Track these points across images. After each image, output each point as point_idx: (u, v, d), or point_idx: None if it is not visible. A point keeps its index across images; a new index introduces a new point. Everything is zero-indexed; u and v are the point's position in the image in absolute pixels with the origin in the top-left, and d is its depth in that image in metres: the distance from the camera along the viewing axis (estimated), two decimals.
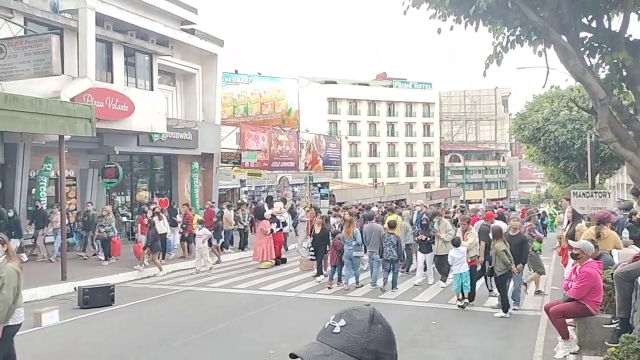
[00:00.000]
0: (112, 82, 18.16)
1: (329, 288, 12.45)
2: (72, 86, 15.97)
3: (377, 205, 23.62)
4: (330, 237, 13.57)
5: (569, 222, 10.76)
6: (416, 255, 13.83)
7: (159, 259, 15.89)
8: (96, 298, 10.78)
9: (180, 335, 8.60)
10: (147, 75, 19.85)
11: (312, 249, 13.96)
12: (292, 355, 1.31)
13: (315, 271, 13.86)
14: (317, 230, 13.76)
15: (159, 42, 20.64)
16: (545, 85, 5.01)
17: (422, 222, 13.32)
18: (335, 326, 1.33)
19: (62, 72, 16.28)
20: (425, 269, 13.19)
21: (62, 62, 16.42)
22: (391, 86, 69.96)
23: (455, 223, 14.47)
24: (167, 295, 12.22)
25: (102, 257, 15.83)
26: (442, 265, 12.54)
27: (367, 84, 69.48)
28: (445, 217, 13.88)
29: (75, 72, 16.58)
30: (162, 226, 16.04)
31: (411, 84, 71.65)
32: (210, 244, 16.71)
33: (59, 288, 12.39)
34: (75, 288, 11.75)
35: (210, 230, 16.07)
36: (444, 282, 12.59)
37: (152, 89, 19.72)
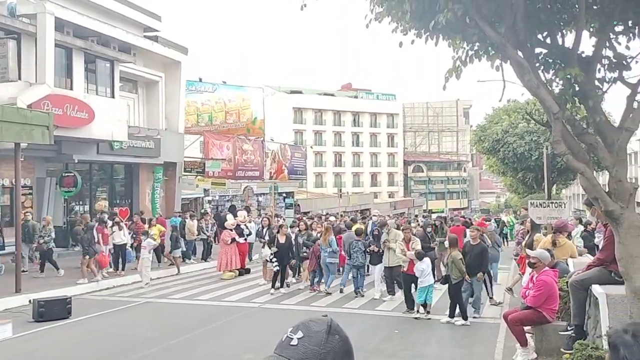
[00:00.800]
0: (71, 88, 17.73)
1: (312, 291, 13.29)
2: (30, 92, 15.52)
3: (335, 216, 23.53)
4: (294, 247, 13.53)
5: (527, 231, 11.04)
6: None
7: (117, 269, 15.57)
8: (52, 311, 10.43)
9: (140, 348, 8.40)
10: (108, 83, 19.46)
11: (275, 259, 13.35)
12: None
13: (271, 284, 13.43)
14: (282, 240, 13.42)
15: (121, 48, 20.30)
16: (502, 99, 5.16)
17: (374, 233, 13.04)
18: (292, 338, 1.32)
19: (19, 78, 15.81)
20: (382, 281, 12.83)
21: (19, 67, 15.96)
22: (356, 97, 70.62)
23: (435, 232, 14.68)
24: (127, 307, 11.93)
25: (40, 270, 15.09)
26: (392, 277, 12.10)
27: (332, 94, 69.94)
28: (401, 228, 13.43)
29: (33, 78, 16.12)
30: (121, 236, 15.72)
31: (376, 94, 72.52)
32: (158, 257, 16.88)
33: (13, 301, 11.94)
34: (30, 300, 11.34)
35: (153, 241, 15.03)
36: (390, 294, 12.05)
37: (113, 97, 19.34)
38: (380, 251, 12.48)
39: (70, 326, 10.12)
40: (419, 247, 11.00)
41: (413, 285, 10.80)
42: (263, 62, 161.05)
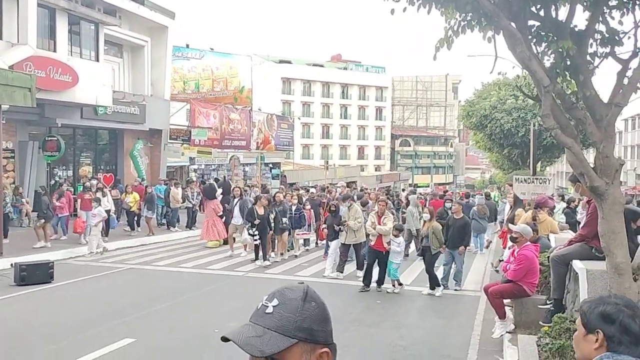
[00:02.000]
0: (55, 51, 17.29)
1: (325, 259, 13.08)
2: (11, 53, 15.12)
3: (315, 188, 23.00)
4: (272, 221, 12.91)
5: (510, 207, 11.14)
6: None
7: (102, 235, 15.46)
8: (34, 275, 10.37)
9: (122, 314, 8.40)
10: (93, 46, 19.00)
11: (256, 232, 12.65)
12: (223, 339, 1.27)
13: (254, 255, 13.10)
14: (261, 211, 12.73)
15: (106, 11, 19.77)
16: (493, 71, 5.12)
17: (331, 208, 12.19)
18: (267, 306, 1.30)
19: (1, 38, 15.37)
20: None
21: (1, 27, 15.50)
22: (345, 68, 70.04)
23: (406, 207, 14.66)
24: (110, 273, 11.90)
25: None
26: (346, 254, 11.64)
27: (321, 65, 69.22)
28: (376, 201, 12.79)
29: (15, 39, 15.68)
30: (105, 203, 15.57)
31: (365, 67, 71.99)
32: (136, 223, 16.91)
33: None
34: (11, 264, 11.26)
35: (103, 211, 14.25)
36: (339, 271, 11.55)
37: (97, 60, 18.92)
38: (340, 227, 11.59)
39: (52, 291, 10.08)
40: (391, 223, 10.37)
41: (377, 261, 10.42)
42: (252, 29, 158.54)
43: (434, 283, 10.21)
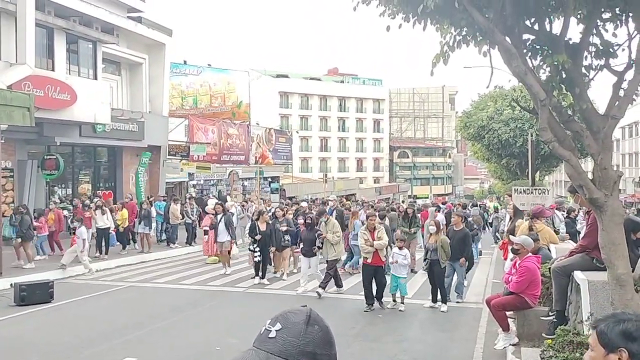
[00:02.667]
0: (53, 69, 17.36)
1: (344, 271, 13.46)
2: (10, 73, 15.19)
3: (307, 202, 23.06)
4: (274, 236, 12.57)
5: (510, 218, 11.13)
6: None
7: (100, 253, 15.42)
8: (34, 294, 10.32)
9: (123, 332, 8.35)
10: (91, 64, 19.10)
11: (257, 248, 12.36)
12: None
13: (254, 272, 12.71)
14: (263, 227, 12.53)
15: (104, 29, 19.91)
16: (490, 85, 5.15)
17: (306, 221, 11.68)
18: (270, 330, 1.30)
19: None
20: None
21: None
22: (342, 82, 70.37)
23: (405, 219, 14.49)
24: (110, 291, 11.85)
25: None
26: (333, 270, 11.16)
27: (318, 79, 69.57)
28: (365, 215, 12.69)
29: (14, 59, 15.76)
30: (105, 220, 15.56)
31: (362, 80, 72.36)
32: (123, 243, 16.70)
33: None
34: (11, 284, 11.21)
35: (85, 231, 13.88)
36: (322, 290, 10.98)
37: (95, 78, 19.00)
38: (317, 244, 11.18)
39: (53, 310, 10.03)
40: (385, 237, 10.08)
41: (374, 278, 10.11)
42: (249, 45, 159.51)
43: (444, 297, 10.08)
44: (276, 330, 1.29)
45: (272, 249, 12.75)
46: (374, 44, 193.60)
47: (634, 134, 52.78)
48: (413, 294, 11.42)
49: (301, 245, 11.64)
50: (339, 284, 11.40)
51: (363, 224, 11.93)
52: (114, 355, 7.15)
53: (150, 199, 20.24)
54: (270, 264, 13.32)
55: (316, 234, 11.19)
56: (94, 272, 13.71)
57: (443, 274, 10.10)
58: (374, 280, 10.09)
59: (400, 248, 10.16)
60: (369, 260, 9.98)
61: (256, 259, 12.42)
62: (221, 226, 13.74)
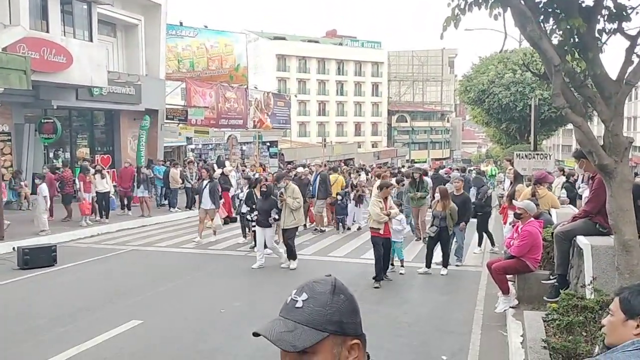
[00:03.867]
0: (47, 31, 17.03)
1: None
2: (4, 35, 14.89)
3: (305, 166, 22.27)
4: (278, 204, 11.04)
5: (510, 182, 11.14)
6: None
7: (101, 217, 15.50)
8: (37, 258, 10.40)
9: (127, 296, 8.45)
10: (86, 25, 18.72)
11: (254, 217, 11.05)
12: (255, 334, 1.28)
13: (253, 242, 11.60)
14: (260, 195, 11.15)
15: None
16: (502, 50, 5.06)
17: (262, 189, 10.62)
18: (297, 300, 1.31)
19: None
20: (265, 247, 10.63)
21: None
22: (341, 44, 69.43)
23: (412, 184, 13.51)
24: (113, 255, 11.94)
25: None
26: (292, 239, 10.44)
27: (316, 41, 68.58)
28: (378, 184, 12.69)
29: (7, 20, 15.42)
30: (104, 184, 15.57)
31: (361, 42, 71.37)
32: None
33: None
34: (14, 248, 11.28)
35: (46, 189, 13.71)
36: (292, 259, 10.34)
37: (91, 40, 18.66)
38: (275, 214, 10.27)
39: (57, 274, 10.12)
40: (396, 208, 9.74)
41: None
42: (245, 4, 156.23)
43: (447, 261, 10.19)
44: (303, 300, 1.31)
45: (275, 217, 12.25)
46: (373, 4, 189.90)
47: (632, 98, 52.50)
48: (413, 257, 11.57)
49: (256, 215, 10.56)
50: (293, 256, 10.42)
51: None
52: (119, 319, 7.25)
53: (151, 165, 20.21)
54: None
55: (278, 197, 10.32)
56: (49, 232, 13.17)
57: (449, 240, 10.21)
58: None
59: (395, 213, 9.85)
60: (381, 232, 9.22)
61: (254, 229, 11.43)
62: (205, 192, 13.01)
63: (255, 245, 11.20)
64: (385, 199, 9.48)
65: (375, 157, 55.57)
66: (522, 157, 11.34)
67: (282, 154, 37.25)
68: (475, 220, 11.87)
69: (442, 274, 9.99)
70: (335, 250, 12.47)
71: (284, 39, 64.95)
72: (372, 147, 68.19)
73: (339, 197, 14.93)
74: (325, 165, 18.39)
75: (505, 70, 35.70)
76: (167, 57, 25.99)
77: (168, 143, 25.70)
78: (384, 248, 9.36)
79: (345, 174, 17.27)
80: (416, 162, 58.29)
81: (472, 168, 28.53)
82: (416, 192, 13.40)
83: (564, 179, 14.09)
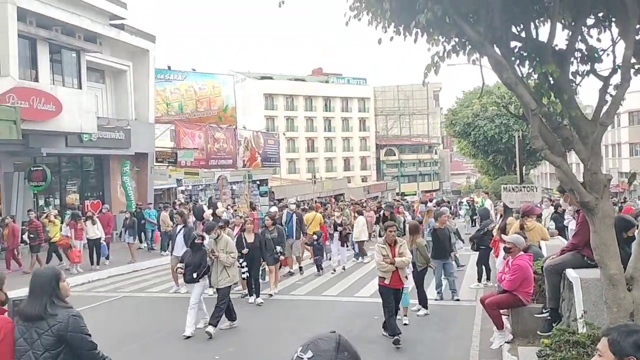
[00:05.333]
0: (37, 80, 17.26)
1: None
2: None
3: (295, 204, 21.81)
4: (264, 248, 11.15)
5: (500, 215, 11.25)
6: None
7: (92, 264, 15.38)
8: None
9: (119, 345, 8.35)
10: (75, 73, 19.01)
11: (244, 263, 10.83)
12: None
13: (246, 290, 11.35)
14: (250, 239, 10.98)
15: (87, 38, 19.79)
16: (481, 97, 5.29)
17: (194, 241, 9.20)
18: (302, 358, 1.37)
19: None
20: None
21: None
22: (327, 81, 70.51)
23: (383, 222, 12.78)
24: (104, 302, 11.82)
25: None
26: (225, 302, 8.97)
27: (303, 79, 69.63)
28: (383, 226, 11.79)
29: None
30: (95, 230, 15.50)
31: (347, 79, 72.56)
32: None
33: None
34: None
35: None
36: (212, 325, 8.80)
37: (80, 87, 18.91)
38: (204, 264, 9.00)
39: None
40: (408, 253, 8.54)
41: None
42: (232, 47, 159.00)
43: (423, 301, 9.81)
44: (308, 358, 1.36)
45: (264, 263, 11.45)
46: (358, 42, 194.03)
47: (616, 125, 53.59)
48: (373, 292, 11.58)
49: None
50: (232, 317, 9.34)
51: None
52: None
53: (139, 207, 20.18)
54: (264, 279, 12.38)
55: (210, 253, 9.07)
56: None
57: (421, 277, 9.76)
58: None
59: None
60: (386, 282, 8.19)
61: (244, 275, 11.00)
62: (179, 239, 12.10)
63: (249, 295, 11.11)
64: (393, 243, 8.27)
65: (365, 192, 55.80)
66: (510, 190, 11.51)
67: (273, 192, 37.34)
68: (476, 253, 11.92)
69: (418, 315, 9.59)
70: (329, 289, 12.44)
71: (271, 78, 65.92)
72: (362, 181, 68.49)
73: (315, 237, 14.30)
74: (299, 207, 18.07)
75: (489, 103, 36.53)
76: (156, 100, 26.29)
77: (158, 185, 25.73)
78: (394, 300, 8.29)
79: (332, 211, 17.19)
80: (406, 195, 58.56)
81: (462, 200, 28.74)
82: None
83: (552, 209, 14.30)
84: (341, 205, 21.30)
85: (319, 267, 14.43)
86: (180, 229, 12.39)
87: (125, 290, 12.99)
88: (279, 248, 11.80)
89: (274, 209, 17.03)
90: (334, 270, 14.51)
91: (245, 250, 10.78)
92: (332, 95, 69.09)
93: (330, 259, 15.47)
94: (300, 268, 14.52)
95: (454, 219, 14.81)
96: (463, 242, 16.42)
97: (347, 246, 15.47)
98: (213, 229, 9.55)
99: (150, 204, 21.32)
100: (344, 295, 11.72)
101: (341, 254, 15.07)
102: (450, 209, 18.77)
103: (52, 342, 3.66)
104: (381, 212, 15.38)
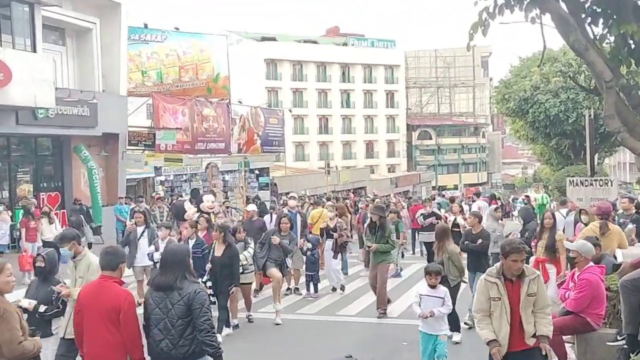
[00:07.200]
0: None
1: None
2: None
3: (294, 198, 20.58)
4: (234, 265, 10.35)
5: (543, 227, 10.66)
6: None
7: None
8: None
9: None
10: (28, 32, 19.10)
11: (209, 282, 10.27)
12: None
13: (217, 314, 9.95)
14: (219, 251, 10.35)
15: None
16: (542, 65, 5.24)
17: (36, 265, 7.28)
18: None
19: None
20: None
21: None
22: (345, 44, 70.26)
23: (371, 229, 11.67)
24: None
25: None
26: None
27: (315, 42, 69.49)
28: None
29: None
30: (52, 230, 15.63)
31: (370, 41, 72.24)
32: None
33: None
34: None
35: None
36: None
37: (34, 50, 19.01)
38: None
39: None
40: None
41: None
42: (225, 3, 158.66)
43: (455, 324, 9.52)
44: None
45: (234, 288, 10.39)
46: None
47: None
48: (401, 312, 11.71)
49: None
50: None
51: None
52: None
53: (78, 202, 20.12)
54: (255, 295, 12.55)
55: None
56: None
57: (455, 294, 9.31)
58: None
59: (432, 285, 7.99)
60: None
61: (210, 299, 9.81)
62: (143, 243, 12.04)
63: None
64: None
65: (392, 185, 55.82)
66: (577, 184, 11.44)
67: (275, 184, 37.44)
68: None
69: (454, 342, 9.39)
70: (345, 307, 12.50)
71: (274, 39, 65.85)
72: (389, 171, 68.50)
73: (309, 246, 13.50)
74: (306, 202, 17.85)
75: (552, 72, 36.09)
76: (129, 68, 26.39)
77: (132, 175, 25.92)
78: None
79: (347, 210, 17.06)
80: (446, 189, 58.52)
81: (516, 197, 28.55)
82: (375, 240, 11.47)
83: (632, 209, 14.10)
84: (336, 204, 19.21)
85: (315, 286, 13.69)
86: (143, 231, 12.44)
87: None
88: (288, 260, 11.75)
89: (250, 207, 16.01)
90: (334, 289, 14.05)
91: (209, 266, 10.38)
92: (351, 62, 68.92)
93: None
94: (297, 289, 13.96)
95: (501, 219, 14.37)
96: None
97: (343, 257, 14.96)
98: (69, 241, 7.37)
99: (122, 197, 21.51)
100: (364, 315, 11.78)
101: (336, 268, 14.17)
102: (502, 208, 18.41)
103: (184, 311, 5.19)
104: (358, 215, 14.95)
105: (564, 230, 12.01)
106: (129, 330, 5.20)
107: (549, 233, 10.23)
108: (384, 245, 11.34)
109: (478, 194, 23.03)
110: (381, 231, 11.41)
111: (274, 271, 11.46)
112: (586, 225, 10.57)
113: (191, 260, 6.07)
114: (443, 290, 8.04)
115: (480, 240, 10.28)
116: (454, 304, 8.93)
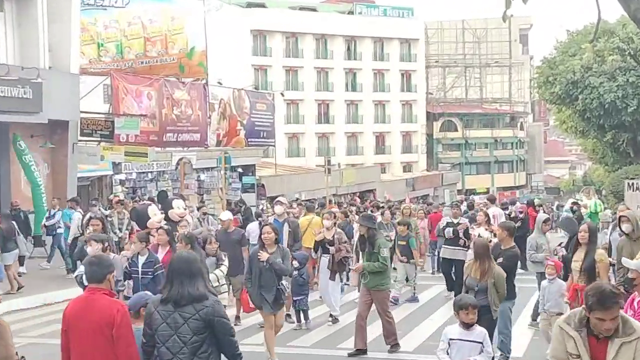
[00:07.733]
0: None
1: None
2: None
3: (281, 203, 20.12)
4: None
5: (577, 244, 10.50)
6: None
7: None
8: None
9: None
10: None
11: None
12: None
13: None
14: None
15: None
16: (596, 40, 5.22)
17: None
18: None
19: None
20: None
21: None
22: (351, 12, 70.19)
23: (361, 244, 11.57)
24: None
25: None
26: None
27: (313, 9, 69.47)
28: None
29: None
30: None
31: (382, 9, 72.15)
32: None
33: None
34: None
35: None
36: None
37: None
38: None
39: None
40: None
41: None
42: None
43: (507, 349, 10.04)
44: None
45: None
46: None
47: None
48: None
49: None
50: None
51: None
52: None
53: (15, 206, 20.10)
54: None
55: None
56: None
57: (494, 326, 9.28)
58: None
59: (468, 324, 7.33)
60: None
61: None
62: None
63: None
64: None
65: (408, 187, 55.84)
66: (637, 189, 11.43)
67: (263, 186, 37.44)
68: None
69: None
70: (349, 338, 12.45)
71: (263, 6, 65.76)
72: (404, 171, 68.51)
73: (296, 265, 12.31)
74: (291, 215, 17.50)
75: (607, 49, 36.00)
76: (82, 39, 26.37)
77: (84, 172, 25.90)
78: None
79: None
80: (475, 193, 58.40)
81: (562, 204, 28.32)
82: (368, 258, 11.21)
83: None
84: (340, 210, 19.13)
85: (305, 314, 13.38)
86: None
87: (31, 335, 13.14)
88: (285, 283, 10.62)
89: (225, 215, 15.29)
90: (332, 318, 13.72)
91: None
92: (358, 35, 68.89)
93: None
94: (289, 315, 13.16)
95: (544, 233, 14.14)
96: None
97: (343, 280, 14.72)
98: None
99: (72, 200, 21.44)
100: (371, 348, 11.74)
101: (333, 293, 13.86)
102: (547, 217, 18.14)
103: (201, 327, 5.38)
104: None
105: (610, 248, 11.79)
106: (124, 347, 5.29)
107: (586, 250, 10.03)
108: (372, 264, 10.99)
109: (492, 200, 22.19)
110: (370, 247, 11.11)
111: (278, 318, 10.76)
112: (627, 235, 10.39)
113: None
114: (481, 332, 7.45)
115: (500, 260, 10.05)
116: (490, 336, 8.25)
